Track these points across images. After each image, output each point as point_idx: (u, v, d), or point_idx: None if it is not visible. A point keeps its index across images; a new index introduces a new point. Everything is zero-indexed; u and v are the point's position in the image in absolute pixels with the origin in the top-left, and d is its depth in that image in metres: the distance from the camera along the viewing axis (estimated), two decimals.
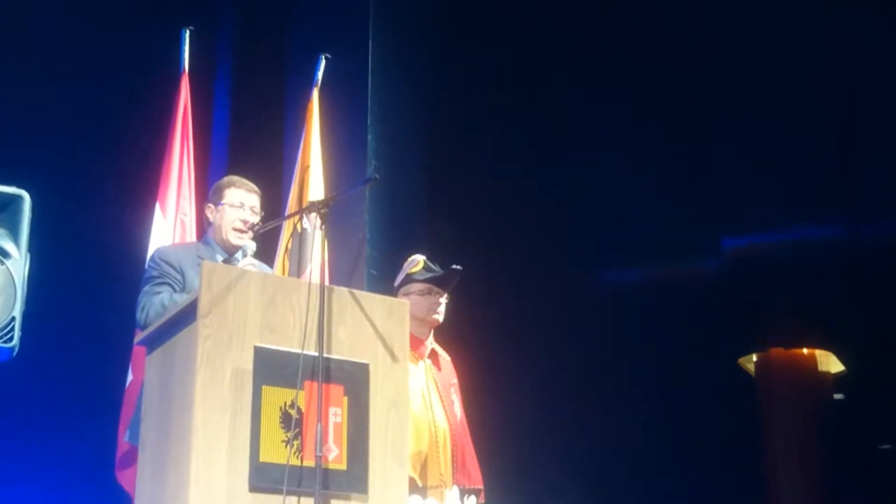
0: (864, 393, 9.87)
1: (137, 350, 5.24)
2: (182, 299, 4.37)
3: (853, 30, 8.70)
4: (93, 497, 5.83)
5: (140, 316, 4.55)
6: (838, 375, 10.33)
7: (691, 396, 9.33)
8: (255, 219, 4.81)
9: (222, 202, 4.81)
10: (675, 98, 8.92)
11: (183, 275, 4.63)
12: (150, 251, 5.67)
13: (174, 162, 6.16)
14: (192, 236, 5.89)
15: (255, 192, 4.87)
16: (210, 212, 4.86)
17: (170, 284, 4.60)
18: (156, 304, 4.50)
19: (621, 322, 9.26)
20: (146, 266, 4.78)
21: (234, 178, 4.92)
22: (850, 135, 8.96)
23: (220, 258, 4.72)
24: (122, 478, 5.28)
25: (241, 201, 4.80)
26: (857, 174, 9.02)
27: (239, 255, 4.68)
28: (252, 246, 4.67)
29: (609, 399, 8.96)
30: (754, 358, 10.39)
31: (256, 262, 4.66)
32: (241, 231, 4.77)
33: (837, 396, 10.35)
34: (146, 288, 4.63)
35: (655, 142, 9.03)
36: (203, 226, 5.00)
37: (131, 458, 4.84)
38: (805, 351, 10.20)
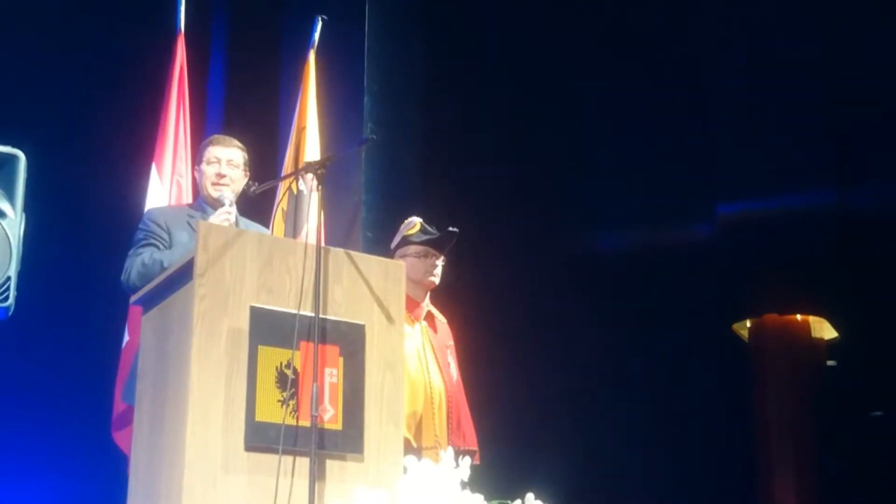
0: (857, 360, 9.90)
1: (133, 310, 5.25)
2: (161, 255, 4.48)
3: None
4: (89, 457, 5.83)
5: (123, 277, 4.62)
6: (831, 342, 10.35)
7: (684, 362, 9.36)
8: (234, 172, 4.85)
9: (202, 161, 4.90)
10: (669, 63, 8.90)
11: (170, 234, 4.68)
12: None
13: (170, 123, 6.14)
14: (188, 197, 5.89)
15: (235, 146, 4.92)
16: (197, 173, 4.97)
17: (154, 244, 4.65)
18: (137, 264, 4.57)
19: (615, 287, 9.28)
20: (138, 227, 4.81)
21: (214, 136, 5.03)
22: (842, 101, 8.94)
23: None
24: (119, 438, 5.28)
25: (216, 157, 4.86)
26: (848, 140, 9.02)
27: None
28: (230, 196, 4.71)
29: (601, 363, 8.99)
30: (748, 324, 10.41)
31: (234, 210, 4.70)
32: (217, 184, 4.83)
33: (830, 363, 10.38)
34: (131, 251, 4.69)
35: (650, 107, 9.02)
36: (195, 189, 5.05)
37: (127, 418, 4.84)
38: (799, 317, 10.22)
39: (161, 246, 4.64)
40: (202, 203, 4.89)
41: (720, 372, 9.63)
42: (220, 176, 4.83)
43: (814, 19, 8.87)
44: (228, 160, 4.86)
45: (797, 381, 10.13)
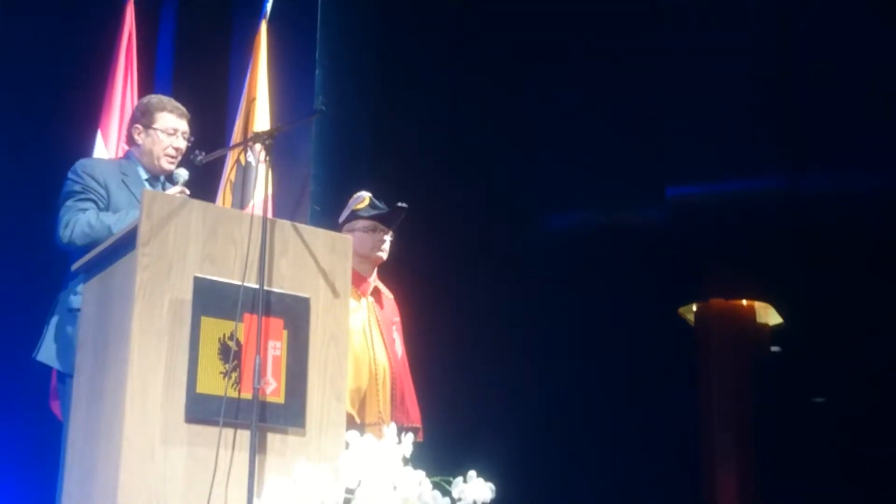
0: (801, 346, 10.00)
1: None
2: (109, 220, 4.34)
3: None
4: (26, 428, 5.76)
5: (64, 232, 4.44)
6: (776, 328, 10.46)
7: (630, 344, 9.42)
8: (185, 145, 4.74)
9: (154, 126, 4.73)
10: (620, 46, 8.90)
11: (107, 190, 4.54)
12: None
13: (117, 90, 6.05)
14: None
15: (186, 116, 4.80)
16: (138, 133, 4.76)
17: (94, 200, 4.51)
18: (82, 221, 4.41)
19: (563, 267, 9.30)
20: (67, 178, 4.62)
21: (164, 100, 4.83)
22: (792, 86, 8.99)
23: (144, 178, 4.68)
24: (56, 407, 5.21)
25: (174, 127, 4.73)
26: (799, 126, 9.07)
27: (162, 180, 4.66)
28: (184, 174, 4.63)
29: (548, 343, 9.02)
30: (694, 308, 10.49)
31: (188, 190, 4.60)
32: (174, 157, 4.73)
33: (774, 349, 10.48)
34: (69, 203, 4.52)
35: (600, 89, 9.02)
36: (126, 144, 4.89)
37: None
38: (744, 302, 10.32)
39: (100, 203, 4.51)
40: (135, 161, 4.74)
41: (665, 355, 9.69)
42: (178, 150, 4.72)
43: (768, 3, 8.90)
44: (183, 132, 4.75)
45: (741, 366, 10.24)
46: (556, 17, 8.80)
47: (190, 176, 4.68)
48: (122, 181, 4.61)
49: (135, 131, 4.77)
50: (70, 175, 4.62)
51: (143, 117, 4.77)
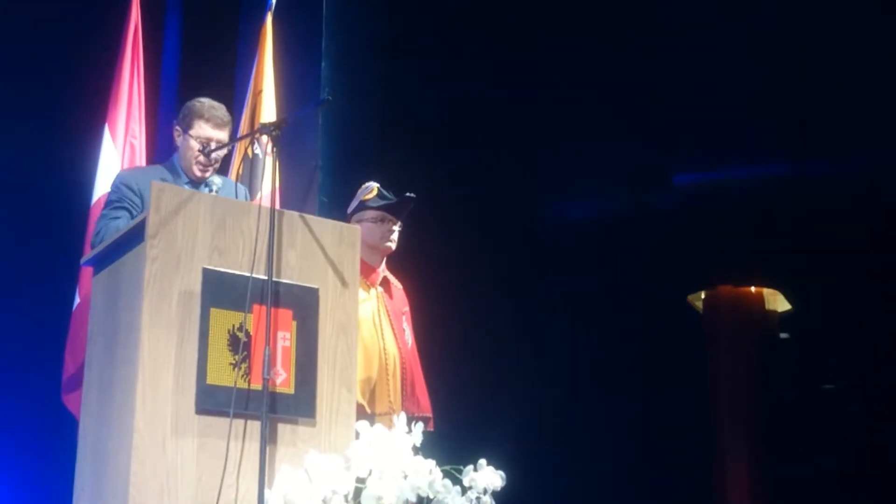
0: (810, 332, 9.98)
1: (85, 272, 5.19)
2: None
3: None
4: (38, 421, 5.78)
5: (95, 241, 4.47)
6: (785, 314, 10.44)
7: (639, 332, 9.41)
8: (221, 154, 4.70)
9: (189, 133, 4.67)
10: (626, 34, 8.88)
11: (142, 198, 4.52)
12: (99, 173, 5.61)
13: (124, 84, 6.03)
14: (141, 160, 5.81)
15: (226, 124, 4.71)
16: (178, 134, 4.74)
17: (128, 209, 4.51)
18: (111, 229, 4.40)
19: (571, 255, 9.30)
20: (109, 189, 4.70)
21: (206, 105, 4.70)
22: (798, 72, 8.97)
23: (184, 182, 4.65)
24: (69, 401, 5.23)
25: (207, 137, 4.65)
26: (806, 113, 9.05)
27: (204, 189, 4.63)
28: (217, 182, 4.62)
29: (557, 332, 9.02)
30: (702, 295, 10.48)
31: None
32: (206, 166, 4.68)
33: (783, 335, 10.46)
34: (105, 211, 4.57)
35: (606, 77, 9.00)
36: (168, 145, 4.89)
37: (77, 381, 4.78)
38: (753, 289, 10.31)
39: (133, 212, 4.52)
40: (176, 166, 4.73)
41: (674, 343, 9.69)
42: (209, 161, 4.67)
43: None
44: (219, 140, 4.67)
45: (750, 353, 10.22)
46: (565, 7, 8.78)
47: (222, 183, 4.69)
48: None
49: (175, 132, 4.75)
50: (111, 187, 4.69)
51: (182, 120, 4.72)
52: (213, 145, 4.65)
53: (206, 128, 4.67)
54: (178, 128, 4.74)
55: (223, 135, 4.71)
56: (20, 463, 5.86)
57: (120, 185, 4.61)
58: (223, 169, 5.98)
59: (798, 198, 9.31)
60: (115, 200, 4.57)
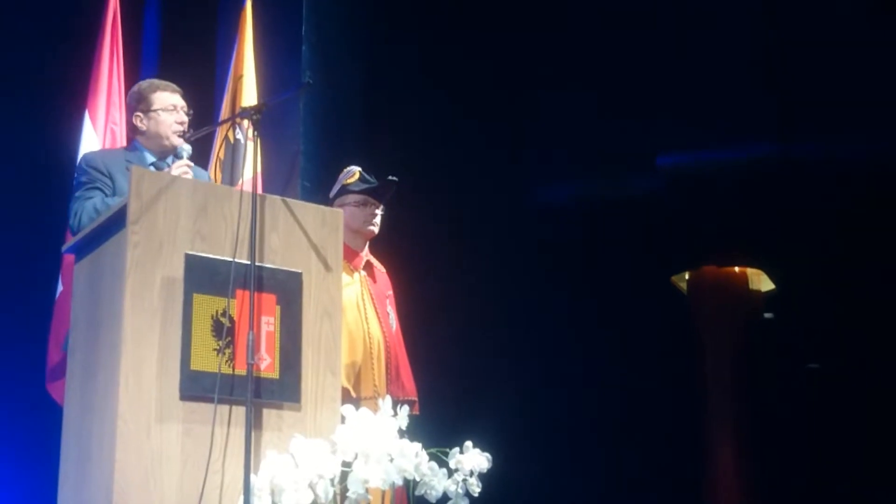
0: (794, 312, 10.02)
1: (67, 260, 5.16)
2: (112, 202, 4.32)
3: None
4: (22, 409, 5.76)
5: (73, 222, 4.48)
6: (769, 294, 10.48)
7: (624, 313, 9.43)
8: (187, 117, 4.74)
9: (154, 108, 4.70)
10: (609, 15, 8.88)
11: (112, 178, 4.55)
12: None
13: (104, 70, 6.00)
14: (122, 145, 5.78)
15: (179, 90, 4.79)
16: (139, 120, 4.73)
17: (100, 189, 4.52)
18: (88, 208, 4.42)
19: (555, 238, 9.31)
20: (74, 174, 4.69)
21: (155, 81, 4.83)
22: (782, 52, 8.98)
23: (149, 162, 4.66)
24: (53, 389, 5.22)
25: (172, 104, 4.71)
26: (788, 92, 9.06)
27: (170, 159, 4.62)
28: (188, 148, 4.61)
29: (542, 314, 9.03)
30: (686, 276, 10.50)
31: (192, 164, 4.60)
32: (182, 131, 4.70)
33: (767, 315, 10.50)
34: (77, 194, 4.55)
35: (589, 58, 9.00)
36: (129, 135, 4.89)
37: (61, 369, 4.77)
38: (737, 269, 10.33)
39: (106, 191, 4.53)
40: (141, 148, 4.73)
41: (659, 324, 9.71)
42: (183, 124, 4.70)
43: None
44: (182, 106, 4.73)
45: (735, 333, 10.26)
46: None
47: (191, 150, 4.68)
48: (127, 168, 4.60)
49: (136, 119, 4.75)
50: (77, 170, 4.69)
51: (140, 104, 4.74)
52: (179, 110, 4.72)
53: (166, 95, 4.73)
54: (137, 114, 4.75)
55: (180, 99, 4.77)
56: (4, 451, 5.84)
57: (87, 167, 4.61)
58: (203, 154, 5.98)
59: (781, 178, 9.32)
60: (86, 182, 4.56)
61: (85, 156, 4.81)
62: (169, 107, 4.70)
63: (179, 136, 4.69)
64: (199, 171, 4.78)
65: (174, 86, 4.79)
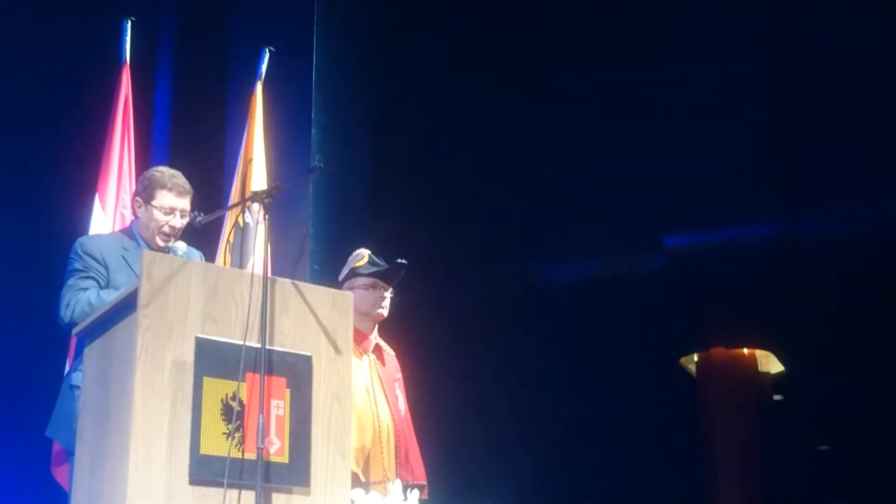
0: (804, 394, 9.96)
1: (76, 342, 5.15)
2: (110, 297, 4.22)
3: (794, 22, 8.77)
4: (28, 494, 5.72)
5: (65, 312, 4.43)
6: (778, 376, 10.43)
7: (632, 395, 9.38)
8: (184, 222, 4.67)
9: (152, 203, 4.65)
10: (618, 96, 8.95)
11: (107, 268, 4.52)
12: None
13: (114, 154, 6.06)
14: None
15: (188, 192, 4.70)
16: (138, 206, 4.71)
17: (94, 279, 4.49)
18: (82, 301, 4.39)
19: (564, 319, 9.29)
20: (68, 257, 4.61)
21: (167, 176, 4.70)
22: (789, 135, 9.03)
23: None
24: (58, 473, 5.18)
25: (171, 206, 4.64)
26: (796, 174, 9.10)
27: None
28: (182, 248, 4.56)
29: (549, 396, 8.99)
30: (695, 358, 10.46)
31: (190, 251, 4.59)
32: (168, 236, 4.65)
33: (777, 397, 10.45)
34: (70, 281, 4.51)
35: (598, 139, 9.06)
36: (132, 210, 4.86)
37: (67, 453, 4.74)
38: (745, 351, 10.30)
39: (101, 281, 4.49)
40: (136, 235, 4.70)
41: (668, 406, 9.65)
42: (174, 229, 4.64)
43: (764, 50, 8.96)
44: (182, 209, 4.66)
45: (744, 415, 10.20)
46: (554, 68, 8.85)
47: (186, 249, 4.64)
48: (123, 257, 4.57)
49: (136, 203, 4.73)
50: (71, 254, 4.60)
51: (143, 191, 4.69)
52: (177, 214, 4.64)
53: (169, 197, 4.66)
54: (138, 199, 4.71)
55: (185, 203, 4.69)
56: None
57: (83, 253, 4.56)
58: (213, 238, 5.99)
59: (789, 257, 9.33)
60: (80, 270, 4.52)
61: (80, 240, 4.70)
62: (166, 209, 4.64)
63: (166, 237, 4.66)
64: (192, 251, 4.76)
65: (184, 187, 4.69)
